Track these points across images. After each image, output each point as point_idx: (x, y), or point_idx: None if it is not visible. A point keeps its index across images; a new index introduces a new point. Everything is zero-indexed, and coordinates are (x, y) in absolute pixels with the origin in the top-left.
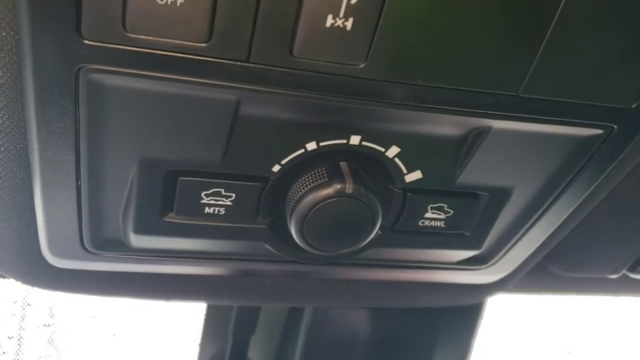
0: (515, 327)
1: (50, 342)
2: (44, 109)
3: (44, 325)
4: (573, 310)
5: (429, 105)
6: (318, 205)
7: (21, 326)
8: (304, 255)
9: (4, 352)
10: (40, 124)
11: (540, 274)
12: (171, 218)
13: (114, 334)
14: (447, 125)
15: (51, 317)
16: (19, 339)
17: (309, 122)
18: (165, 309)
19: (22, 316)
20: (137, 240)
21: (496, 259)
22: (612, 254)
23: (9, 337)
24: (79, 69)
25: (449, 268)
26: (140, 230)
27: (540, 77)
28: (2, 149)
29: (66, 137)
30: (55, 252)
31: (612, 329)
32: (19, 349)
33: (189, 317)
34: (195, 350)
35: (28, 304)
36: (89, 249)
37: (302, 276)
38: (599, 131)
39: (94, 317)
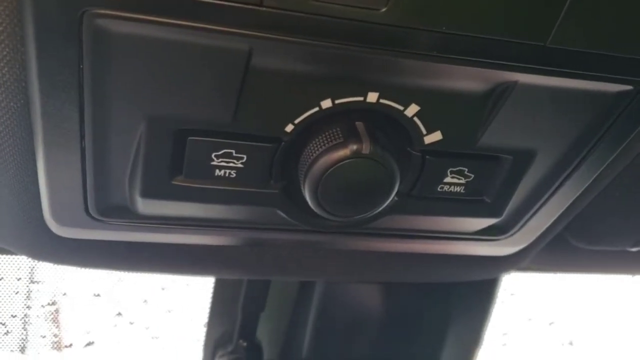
0: (517, 317)
1: (54, 320)
2: (46, 59)
3: (49, 303)
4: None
5: (452, 56)
6: (333, 167)
7: (26, 304)
8: (317, 222)
9: (7, 332)
10: (42, 76)
11: (558, 249)
12: (180, 181)
13: (119, 313)
14: (470, 80)
15: (55, 297)
16: (23, 318)
17: (324, 76)
18: (172, 286)
19: (27, 294)
20: (145, 206)
21: (516, 228)
22: (633, 224)
23: (12, 315)
24: (83, 12)
25: (467, 238)
26: (147, 194)
27: (568, 26)
28: (2, 105)
29: (69, 90)
30: (58, 219)
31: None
32: (24, 328)
33: (196, 296)
34: (203, 329)
35: (33, 282)
36: (94, 215)
37: (315, 247)
38: (627, 87)
39: (98, 295)
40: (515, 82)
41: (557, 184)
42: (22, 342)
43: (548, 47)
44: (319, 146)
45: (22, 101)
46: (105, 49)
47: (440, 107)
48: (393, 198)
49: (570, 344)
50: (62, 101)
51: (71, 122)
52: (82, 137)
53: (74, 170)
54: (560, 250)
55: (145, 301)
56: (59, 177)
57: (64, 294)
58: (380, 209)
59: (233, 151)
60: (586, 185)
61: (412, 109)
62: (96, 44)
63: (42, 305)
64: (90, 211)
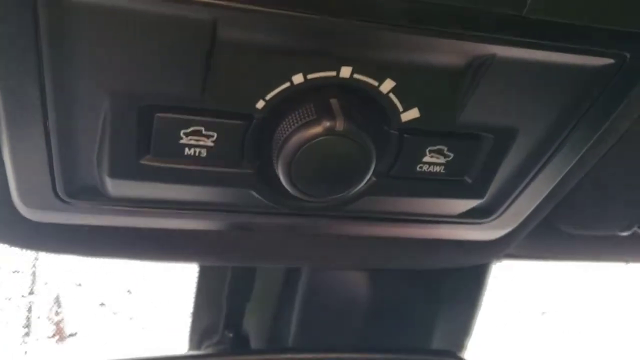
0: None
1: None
2: (0, 33)
3: (29, 293)
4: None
5: (425, 27)
6: (306, 145)
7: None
8: (293, 204)
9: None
10: None
11: (547, 235)
12: (148, 160)
13: (102, 304)
14: (446, 53)
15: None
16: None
17: (294, 49)
18: (156, 275)
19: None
20: (114, 187)
21: (500, 211)
22: (623, 208)
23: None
24: None
25: (451, 222)
26: (115, 174)
27: None
28: None
29: (28, 66)
30: (27, 201)
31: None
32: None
33: (181, 285)
34: (188, 320)
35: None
36: (62, 197)
37: (295, 231)
38: (609, 60)
39: (79, 284)
40: (493, 56)
41: (540, 163)
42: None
43: (525, 18)
44: (291, 123)
45: None
46: (62, 19)
47: (417, 82)
48: (371, 178)
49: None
50: (21, 78)
51: (32, 101)
52: (45, 115)
53: (39, 151)
54: (550, 237)
55: (129, 291)
56: (24, 158)
57: (45, 284)
58: (358, 189)
59: (202, 129)
60: (571, 164)
61: (387, 85)
62: (51, 15)
63: (23, 296)
64: (59, 193)
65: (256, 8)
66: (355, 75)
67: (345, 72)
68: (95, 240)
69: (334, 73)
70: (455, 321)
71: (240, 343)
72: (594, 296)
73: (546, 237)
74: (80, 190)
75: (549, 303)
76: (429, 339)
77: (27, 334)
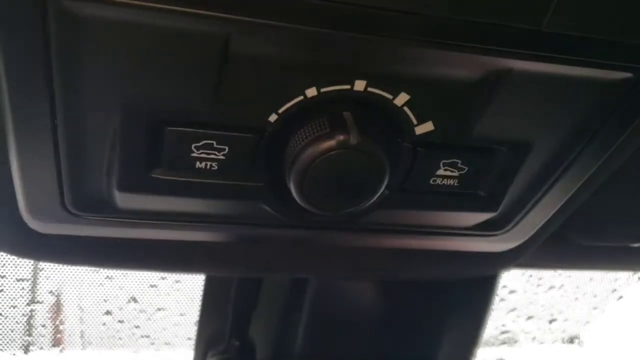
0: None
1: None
2: (10, 47)
3: (34, 302)
4: (581, 297)
5: (442, 41)
6: (319, 158)
7: (11, 304)
8: (304, 217)
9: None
10: (8, 66)
11: (557, 245)
12: (159, 174)
13: (107, 312)
14: (462, 67)
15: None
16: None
17: (308, 63)
18: (162, 284)
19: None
20: (123, 200)
21: (512, 223)
22: (636, 220)
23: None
24: None
25: (461, 234)
26: (125, 187)
27: (565, 9)
28: None
29: (38, 80)
30: (35, 214)
31: (618, 318)
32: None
33: (187, 294)
34: (194, 328)
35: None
36: (71, 210)
37: (304, 243)
38: (627, 74)
39: (84, 293)
40: (510, 70)
41: (554, 176)
42: (8, 342)
43: (544, 32)
44: (304, 137)
45: None
46: (73, 34)
47: (431, 96)
48: (384, 192)
49: (571, 342)
50: (30, 91)
51: (42, 113)
52: (54, 128)
53: (47, 164)
54: (560, 247)
55: (134, 299)
56: (32, 171)
57: (50, 292)
58: (370, 202)
59: (214, 142)
60: (585, 178)
61: (401, 98)
62: (62, 29)
63: (27, 304)
64: (67, 206)
65: (269, 22)
66: (370, 89)
67: (360, 85)
68: (103, 252)
69: (348, 86)
70: (464, 331)
71: (246, 352)
72: (605, 304)
73: (556, 247)
74: (88, 203)
75: (558, 310)
76: (437, 349)
77: (30, 343)
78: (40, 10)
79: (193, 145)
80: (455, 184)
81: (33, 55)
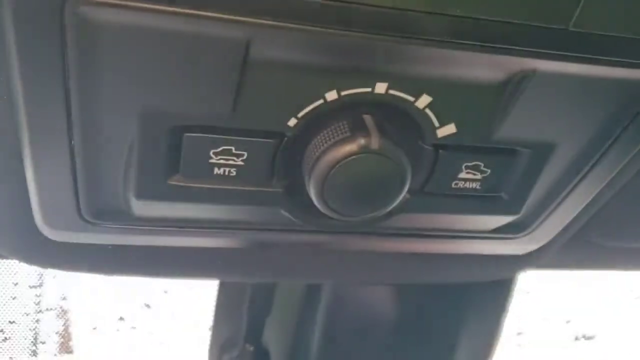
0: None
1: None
2: (26, 54)
3: (48, 309)
4: (596, 294)
5: (465, 42)
6: (340, 163)
7: (24, 311)
8: (323, 222)
9: (5, 338)
10: (24, 73)
11: (577, 246)
12: (177, 181)
13: (121, 318)
14: (485, 68)
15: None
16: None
17: (328, 66)
18: (177, 289)
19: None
20: (140, 208)
21: (534, 225)
22: None
23: (10, 321)
24: (64, 1)
25: (482, 237)
26: (142, 195)
27: (592, 7)
28: None
29: (54, 87)
30: (50, 223)
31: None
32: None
33: (201, 299)
34: (208, 334)
35: (32, 287)
36: (87, 218)
37: (322, 248)
38: None
39: (98, 299)
40: (535, 70)
41: (578, 178)
42: (23, 347)
43: (570, 31)
44: (324, 141)
45: (4, 98)
46: (91, 40)
47: (454, 98)
48: (405, 196)
49: (586, 338)
50: (46, 99)
51: (58, 121)
52: (71, 136)
53: (64, 172)
54: (580, 248)
55: (147, 305)
56: (48, 180)
57: (64, 299)
58: (391, 207)
59: (232, 148)
60: (609, 179)
61: (423, 100)
62: (80, 35)
63: (40, 311)
64: (84, 214)
65: (290, 25)
66: (391, 91)
67: (381, 88)
68: (118, 259)
69: (369, 89)
70: (480, 334)
71: (261, 357)
72: (621, 303)
73: (576, 248)
74: (104, 211)
75: (574, 311)
76: (453, 353)
77: (37, 351)
78: (57, 16)
79: (211, 152)
80: (478, 187)
81: (49, 62)
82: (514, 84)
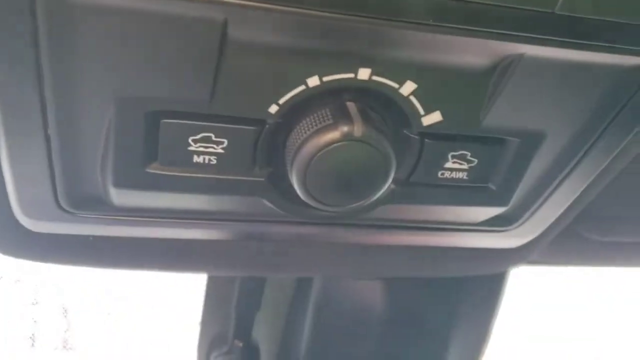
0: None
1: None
2: None
3: (31, 303)
4: (597, 294)
5: (450, 25)
6: (322, 151)
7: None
8: (307, 212)
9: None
10: None
11: (569, 241)
12: (155, 169)
13: (108, 313)
14: (471, 53)
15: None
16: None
17: (310, 50)
18: (166, 285)
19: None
20: (119, 196)
21: (524, 218)
22: None
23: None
24: None
25: (471, 230)
26: (120, 183)
27: None
28: None
29: (26, 71)
30: (28, 212)
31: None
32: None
33: (190, 295)
34: (196, 329)
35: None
36: (65, 207)
37: (308, 240)
38: None
39: (86, 294)
40: (522, 55)
41: (568, 169)
42: (21, 344)
43: (557, 14)
44: (306, 129)
45: None
46: (63, 22)
47: (439, 84)
48: (389, 186)
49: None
50: (19, 83)
51: (32, 107)
52: (46, 123)
53: (39, 160)
54: (571, 243)
55: (136, 301)
56: (24, 168)
57: (50, 294)
58: (376, 197)
59: (212, 135)
60: (599, 170)
61: (408, 87)
62: (52, 16)
63: (31, 305)
64: (61, 203)
65: (269, 6)
66: (374, 77)
67: (364, 74)
68: (100, 251)
69: (351, 75)
70: (473, 329)
71: (250, 353)
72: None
73: (567, 243)
74: (83, 200)
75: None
76: (445, 349)
77: (32, 345)
78: None
79: (190, 139)
80: (465, 177)
81: (20, 45)
82: (501, 70)
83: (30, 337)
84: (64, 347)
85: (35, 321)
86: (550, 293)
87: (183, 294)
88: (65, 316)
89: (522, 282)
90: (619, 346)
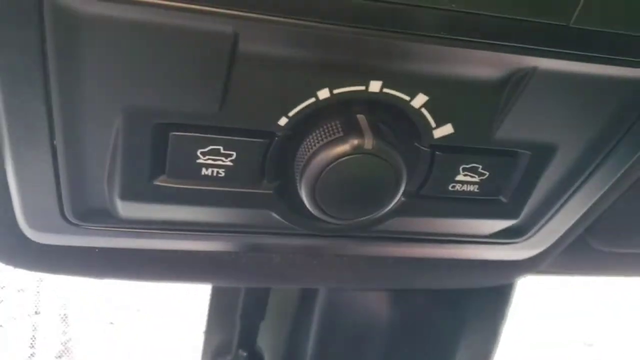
0: (534, 316)
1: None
2: (4, 47)
3: (35, 313)
4: (595, 300)
5: (462, 38)
6: (332, 164)
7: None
8: (315, 225)
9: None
10: (1, 67)
11: (577, 251)
12: (163, 181)
13: (110, 323)
14: (484, 66)
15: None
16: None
17: (320, 62)
18: (169, 294)
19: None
20: (125, 209)
21: (534, 230)
22: None
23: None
24: None
25: (480, 242)
26: (127, 196)
27: (594, 3)
28: None
29: (34, 82)
30: (33, 224)
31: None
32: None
33: (194, 303)
34: (201, 338)
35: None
36: (71, 220)
37: (315, 252)
38: None
39: (88, 303)
40: (535, 68)
41: (579, 181)
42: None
43: (571, 28)
44: (316, 141)
45: None
46: (71, 34)
47: (451, 97)
48: (400, 198)
49: (590, 345)
50: (26, 95)
51: (38, 118)
52: (52, 134)
53: (46, 171)
54: (580, 253)
55: (138, 310)
56: (30, 179)
57: (52, 303)
58: (386, 210)
59: (221, 147)
60: (610, 183)
61: (419, 100)
62: (60, 27)
63: (29, 315)
64: (67, 215)
65: (280, 19)
66: (385, 90)
67: (375, 86)
68: (105, 262)
69: (362, 87)
70: (479, 339)
71: None
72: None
73: (576, 254)
74: (89, 212)
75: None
76: (452, 358)
77: (33, 355)
78: (36, 8)
79: (199, 151)
80: (476, 190)
81: (29, 56)
82: (514, 83)
83: (31, 346)
84: (66, 356)
85: (36, 330)
86: (552, 300)
87: (186, 303)
88: (67, 325)
89: (523, 289)
90: (620, 352)
